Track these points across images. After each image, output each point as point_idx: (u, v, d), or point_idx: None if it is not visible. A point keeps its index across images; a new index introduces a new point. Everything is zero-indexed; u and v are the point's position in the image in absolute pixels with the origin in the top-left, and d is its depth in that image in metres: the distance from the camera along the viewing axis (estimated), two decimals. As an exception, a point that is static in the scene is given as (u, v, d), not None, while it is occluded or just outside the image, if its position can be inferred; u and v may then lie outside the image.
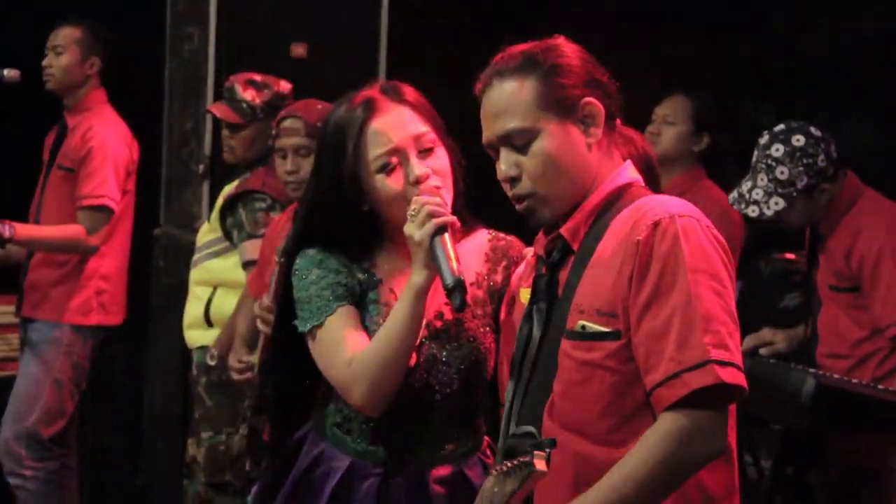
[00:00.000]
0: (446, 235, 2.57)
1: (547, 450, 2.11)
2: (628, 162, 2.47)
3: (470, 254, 2.79)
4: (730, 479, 2.36)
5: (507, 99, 2.39)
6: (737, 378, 2.25)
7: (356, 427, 2.77)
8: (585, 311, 2.32)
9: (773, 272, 5.19)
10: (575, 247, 2.38)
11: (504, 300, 2.68)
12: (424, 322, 2.70)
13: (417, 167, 2.67)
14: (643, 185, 2.45)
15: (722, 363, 2.24)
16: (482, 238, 2.85)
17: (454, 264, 2.53)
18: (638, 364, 2.29)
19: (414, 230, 2.58)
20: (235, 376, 4.33)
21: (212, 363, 4.58)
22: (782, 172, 4.10)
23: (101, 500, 6.08)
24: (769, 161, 4.13)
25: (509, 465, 2.14)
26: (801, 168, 4.10)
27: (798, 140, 4.13)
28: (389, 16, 5.64)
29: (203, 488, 4.76)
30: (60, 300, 5.17)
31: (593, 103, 2.40)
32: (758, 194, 4.14)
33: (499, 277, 2.80)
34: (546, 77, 2.38)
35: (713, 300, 2.27)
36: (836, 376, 3.87)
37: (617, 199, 2.39)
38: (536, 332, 2.39)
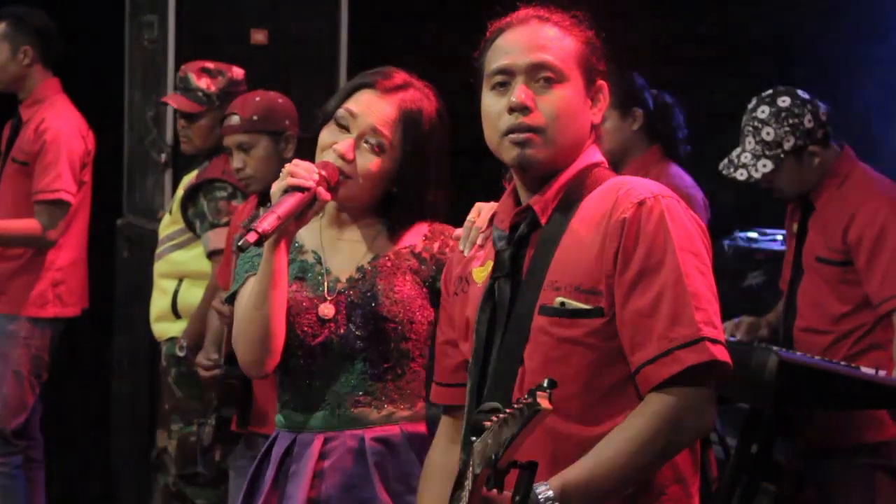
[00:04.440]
0: (292, 198, 2.62)
1: (548, 389, 2.06)
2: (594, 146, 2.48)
3: (411, 235, 2.85)
4: (695, 460, 2.37)
5: (548, 38, 2.40)
6: (726, 356, 2.27)
7: (300, 399, 2.81)
8: (562, 288, 2.31)
9: (736, 251, 5.21)
10: (543, 221, 2.38)
11: (444, 271, 2.65)
12: (345, 277, 2.78)
13: (344, 144, 2.74)
14: (608, 167, 2.47)
15: (713, 340, 2.25)
16: (423, 226, 2.89)
17: (270, 217, 2.57)
18: (623, 342, 2.29)
19: (274, 185, 2.66)
20: (203, 373, 4.32)
21: (181, 354, 4.56)
22: (768, 133, 4.06)
23: (69, 492, 6.06)
24: (755, 123, 4.09)
25: (506, 412, 2.09)
26: (786, 128, 4.06)
27: (783, 101, 4.10)
28: (350, 1, 5.62)
29: (173, 479, 4.75)
30: (16, 293, 5.15)
31: (605, 88, 2.46)
32: (746, 157, 4.10)
33: (435, 246, 2.84)
34: (586, 43, 2.42)
35: (699, 279, 2.28)
36: (799, 353, 3.88)
37: (585, 177, 2.40)
38: (501, 309, 2.38)
